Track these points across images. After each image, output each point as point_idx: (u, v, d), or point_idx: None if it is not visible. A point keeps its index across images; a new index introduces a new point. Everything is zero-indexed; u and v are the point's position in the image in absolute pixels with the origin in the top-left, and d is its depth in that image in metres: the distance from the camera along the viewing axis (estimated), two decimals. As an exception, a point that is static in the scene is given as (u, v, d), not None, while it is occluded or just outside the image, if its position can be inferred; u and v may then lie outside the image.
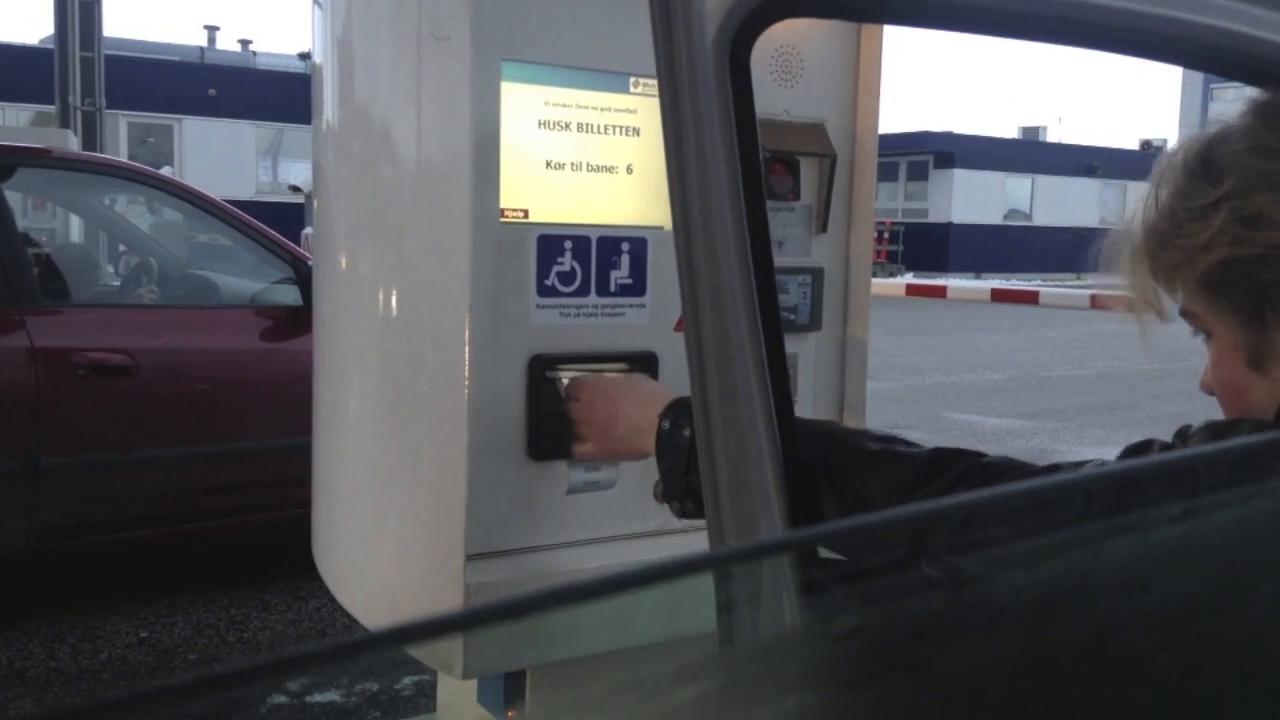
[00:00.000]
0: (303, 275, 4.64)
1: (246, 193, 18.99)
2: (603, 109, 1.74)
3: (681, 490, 1.33)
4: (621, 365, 1.73)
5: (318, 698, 3.71)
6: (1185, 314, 1.08)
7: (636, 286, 1.78)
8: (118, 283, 5.79)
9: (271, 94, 20.98)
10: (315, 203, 1.99)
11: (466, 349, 1.62)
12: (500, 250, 1.66)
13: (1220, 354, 1.05)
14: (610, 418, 1.53)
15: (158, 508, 4.49)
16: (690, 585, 0.47)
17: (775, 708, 0.51)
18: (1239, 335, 1.02)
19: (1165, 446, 0.99)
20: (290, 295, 4.75)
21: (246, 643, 4.25)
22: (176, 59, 24.41)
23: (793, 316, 1.92)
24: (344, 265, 1.86)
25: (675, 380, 1.77)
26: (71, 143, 10.10)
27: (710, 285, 1.01)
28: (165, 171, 10.20)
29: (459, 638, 1.51)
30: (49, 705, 3.09)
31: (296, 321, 4.52)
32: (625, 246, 1.76)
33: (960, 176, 30.07)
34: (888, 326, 15.05)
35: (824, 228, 1.95)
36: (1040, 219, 31.45)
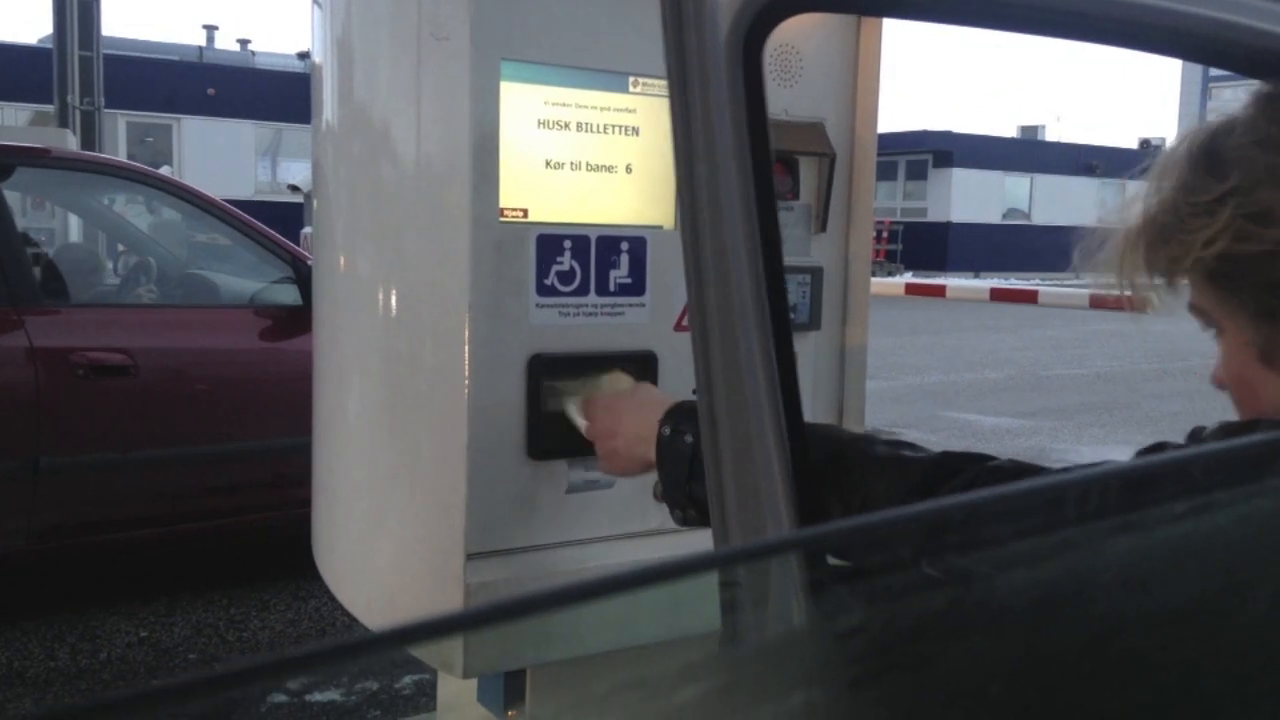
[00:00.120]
0: (302, 275, 4.64)
1: (246, 192, 18.99)
2: (602, 108, 1.74)
3: (684, 497, 1.30)
4: (616, 372, 1.72)
5: (318, 696, 3.71)
6: (1193, 309, 1.06)
7: (636, 286, 1.78)
8: (117, 282, 5.79)
9: (270, 93, 20.98)
10: (314, 202, 1.99)
11: (466, 348, 1.62)
12: (500, 250, 1.66)
13: (1231, 350, 1.04)
14: (611, 430, 1.49)
15: (157, 507, 4.48)
16: (692, 585, 0.47)
17: (777, 707, 0.51)
18: (1250, 332, 1.00)
19: (1178, 449, 0.97)
20: (289, 295, 4.75)
21: (246, 642, 4.25)
22: (175, 58, 24.41)
23: (792, 316, 1.91)
24: (343, 265, 1.86)
25: (675, 380, 1.77)
26: (70, 142, 10.10)
27: (719, 287, 0.99)
28: (164, 171, 10.18)
29: (459, 637, 1.51)
30: (48, 705, 3.09)
31: (296, 321, 4.52)
32: (625, 246, 1.76)
33: (959, 176, 30.08)
34: (887, 326, 15.06)
35: (823, 227, 1.96)
36: (1039, 218, 31.45)
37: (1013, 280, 26.18)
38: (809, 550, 0.67)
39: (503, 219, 1.66)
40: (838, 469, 1.19)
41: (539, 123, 1.69)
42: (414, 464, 1.74)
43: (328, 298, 1.92)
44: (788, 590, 0.63)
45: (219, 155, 20.12)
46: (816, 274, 1.96)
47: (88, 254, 7.13)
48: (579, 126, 1.72)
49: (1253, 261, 0.97)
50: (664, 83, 1.78)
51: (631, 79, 1.75)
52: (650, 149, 1.77)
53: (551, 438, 1.69)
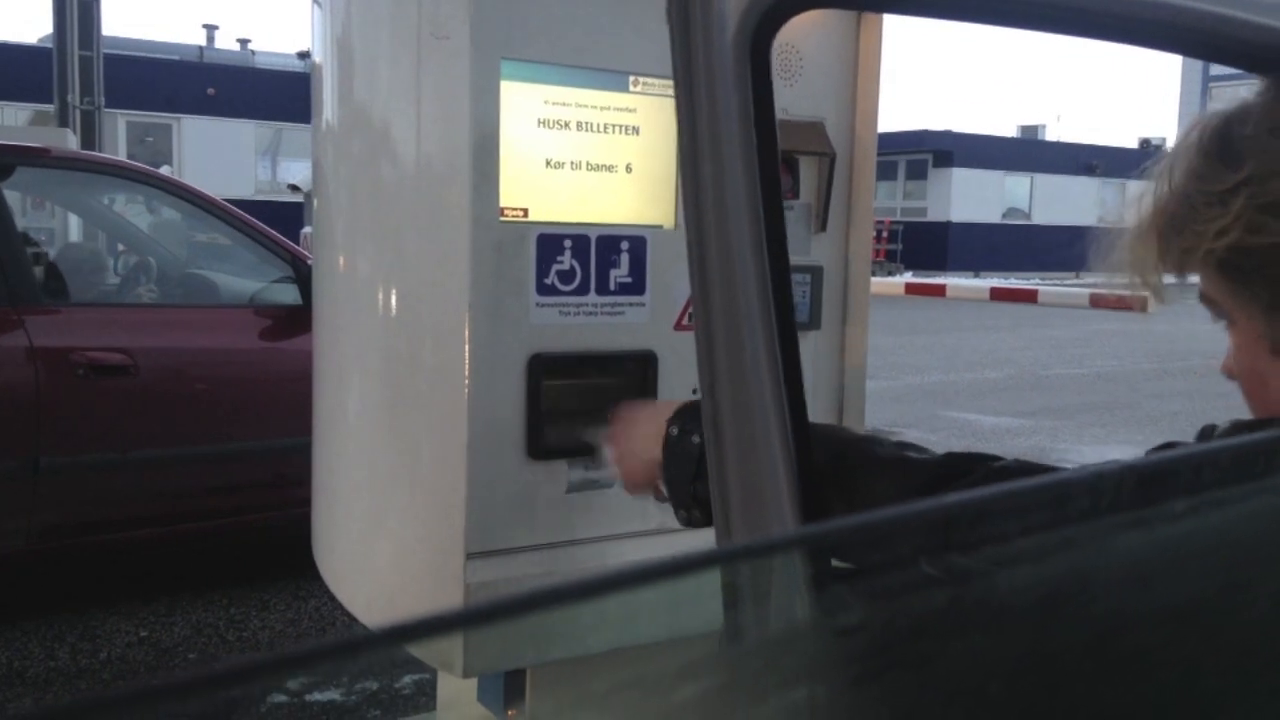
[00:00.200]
0: (302, 274, 4.64)
1: (246, 192, 18.98)
2: (602, 108, 1.74)
3: (688, 498, 1.27)
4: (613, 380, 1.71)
5: (318, 696, 3.71)
6: (1204, 299, 1.03)
7: (636, 285, 1.78)
8: (117, 282, 5.79)
9: (270, 93, 20.97)
10: (315, 202, 1.99)
11: (466, 348, 1.62)
12: (500, 249, 1.66)
13: (1242, 342, 1.01)
14: (624, 434, 1.43)
15: (157, 507, 4.48)
16: (692, 584, 0.47)
17: (778, 705, 0.51)
18: (1261, 324, 0.98)
19: (1189, 448, 0.96)
20: (289, 294, 4.75)
21: (246, 642, 4.25)
22: (175, 58, 24.39)
23: (792, 315, 1.92)
24: (343, 265, 1.86)
25: (675, 379, 1.77)
26: (70, 142, 10.09)
27: (724, 287, 0.98)
28: (164, 171, 10.18)
29: (459, 635, 1.51)
30: (48, 704, 3.09)
31: (296, 321, 4.52)
32: (625, 245, 1.76)
33: (959, 175, 30.07)
34: (887, 325, 15.05)
35: (823, 226, 1.96)
36: (1039, 218, 31.44)
37: (1013, 280, 26.18)
38: (810, 548, 0.67)
39: (503, 218, 1.66)
40: (841, 470, 1.18)
41: (539, 122, 1.69)
42: (414, 464, 1.74)
43: (328, 297, 1.92)
44: (789, 589, 0.63)
45: (219, 155, 20.12)
46: (816, 273, 1.96)
47: (90, 253, 7.13)
48: (579, 126, 1.72)
49: (1266, 254, 0.95)
50: (664, 82, 1.78)
51: (632, 78, 1.75)
52: (650, 148, 1.77)
53: (551, 437, 1.69)
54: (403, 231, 1.72)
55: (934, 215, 30.28)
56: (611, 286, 1.76)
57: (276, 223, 5.72)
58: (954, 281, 24.44)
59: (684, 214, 1.01)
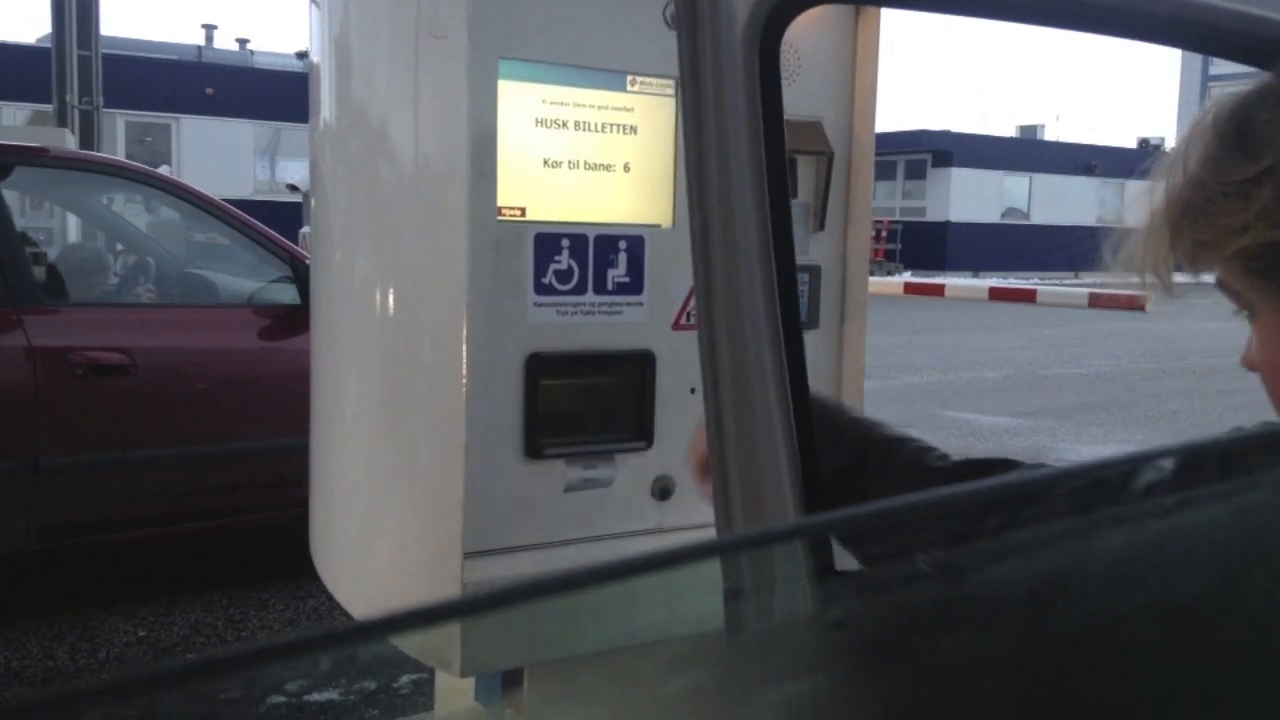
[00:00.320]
0: (300, 274, 4.64)
1: (244, 192, 18.97)
2: (600, 107, 1.74)
3: None
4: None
5: (316, 696, 3.71)
6: (1222, 287, 0.98)
7: (634, 285, 1.78)
8: (116, 282, 5.79)
9: (269, 93, 20.96)
10: (313, 202, 1.99)
11: (464, 348, 1.62)
12: (497, 249, 1.66)
13: (1267, 335, 0.97)
14: (696, 443, 1.29)
15: (156, 507, 4.48)
16: (692, 583, 0.47)
17: (776, 700, 0.51)
18: None
19: (1218, 450, 0.89)
20: (288, 294, 4.75)
21: (245, 641, 4.25)
22: (174, 58, 24.38)
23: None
24: (341, 264, 1.86)
25: (673, 379, 1.77)
26: (69, 142, 10.08)
27: (728, 286, 0.97)
28: (163, 170, 10.18)
29: (457, 637, 1.51)
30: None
31: (294, 320, 4.52)
32: (623, 245, 1.76)
33: (958, 175, 30.07)
34: (886, 325, 15.05)
35: (821, 226, 1.96)
36: (1038, 218, 31.43)
37: (1011, 279, 26.18)
38: (808, 539, 0.67)
39: (500, 218, 1.67)
40: (860, 472, 1.17)
41: (537, 121, 1.69)
42: (412, 463, 1.74)
43: (325, 297, 1.92)
44: (787, 583, 0.63)
45: (218, 155, 20.11)
46: (814, 273, 1.96)
47: (89, 253, 7.12)
48: (577, 125, 1.72)
49: None
50: (662, 81, 1.78)
51: (629, 78, 1.75)
52: (648, 148, 1.77)
53: (549, 437, 1.69)
54: (400, 231, 1.72)
55: (933, 215, 30.28)
56: (609, 286, 1.76)
57: (275, 222, 5.72)
58: (953, 281, 24.44)
59: (689, 211, 1.01)
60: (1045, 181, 31.64)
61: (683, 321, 1.80)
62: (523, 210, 1.69)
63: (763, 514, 1.01)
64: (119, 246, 6.32)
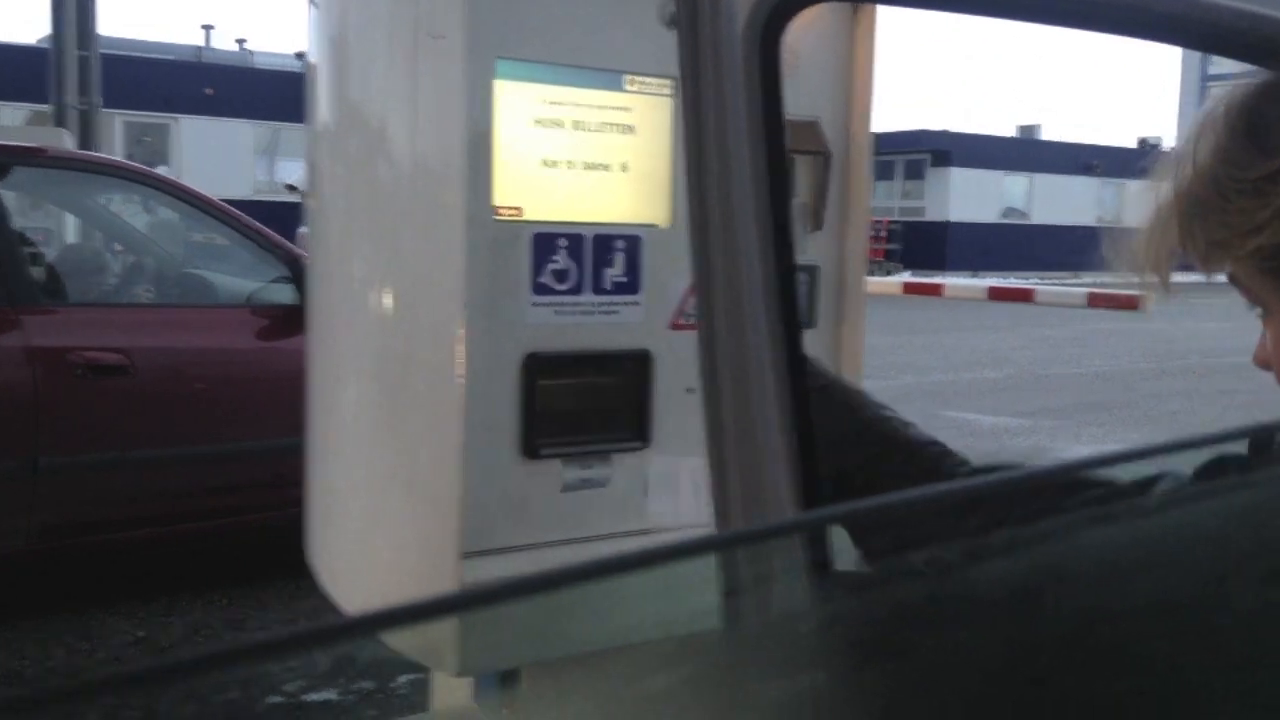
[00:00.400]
0: (299, 274, 4.64)
1: (243, 192, 18.96)
2: (598, 107, 1.74)
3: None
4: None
5: (313, 696, 3.71)
6: (1234, 282, 0.94)
7: (631, 284, 1.78)
8: (114, 282, 5.79)
9: (268, 93, 20.96)
10: (311, 201, 1.99)
11: (461, 347, 1.62)
12: (495, 248, 1.66)
13: None
14: None
15: (155, 507, 4.48)
16: (690, 583, 0.47)
17: (774, 696, 0.51)
18: None
19: (1240, 463, 0.86)
20: (286, 294, 4.75)
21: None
22: (173, 58, 24.39)
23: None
24: (339, 264, 1.86)
25: (670, 379, 1.77)
26: (67, 142, 10.07)
27: (728, 286, 0.97)
28: (162, 171, 10.18)
29: (456, 637, 1.51)
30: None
31: (293, 320, 4.51)
32: (620, 244, 1.76)
33: (957, 175, 30.08)
34: (885, 325, 15.05)
35: (819, 225, 1.96)
36: (1037, 217, 31.44)
37: (1011, 279, 26.18)
38: (806, 533, 0.67)
39: (498, 217, 1.67)
40: (876, 474, 1.17)
41: (534, 121, 1.69)
42: (410, 463, 1.74)
43: (323, 297, 1.92)
44: (784, 579, 0.63)
45: (217, 155, 20.10)
46: (812, 272, 1.96)
47: (88, 253, 7.12)
48: (574, 125, 1.72)
49: None
50: (660, 81, 1.78)
51: (627, 78, 1.75)
52: (646, 147, 1.77)
53: (546, 437, 1.69)
54: (398, 231, 1.72)
55: (932, 215, 30.29)
56: (607, 285, 1.76)
57: (274, 222, 5.71)
58: (952, 281, 24.44)
59: (688, 211, 1.00)
60: (1045, 181, 31.66)
61: (680, 321, 1.80)
62: (520, 210, 1.69)
63: (762, 514, 1.00)
64: (117, 247, 6.31)
